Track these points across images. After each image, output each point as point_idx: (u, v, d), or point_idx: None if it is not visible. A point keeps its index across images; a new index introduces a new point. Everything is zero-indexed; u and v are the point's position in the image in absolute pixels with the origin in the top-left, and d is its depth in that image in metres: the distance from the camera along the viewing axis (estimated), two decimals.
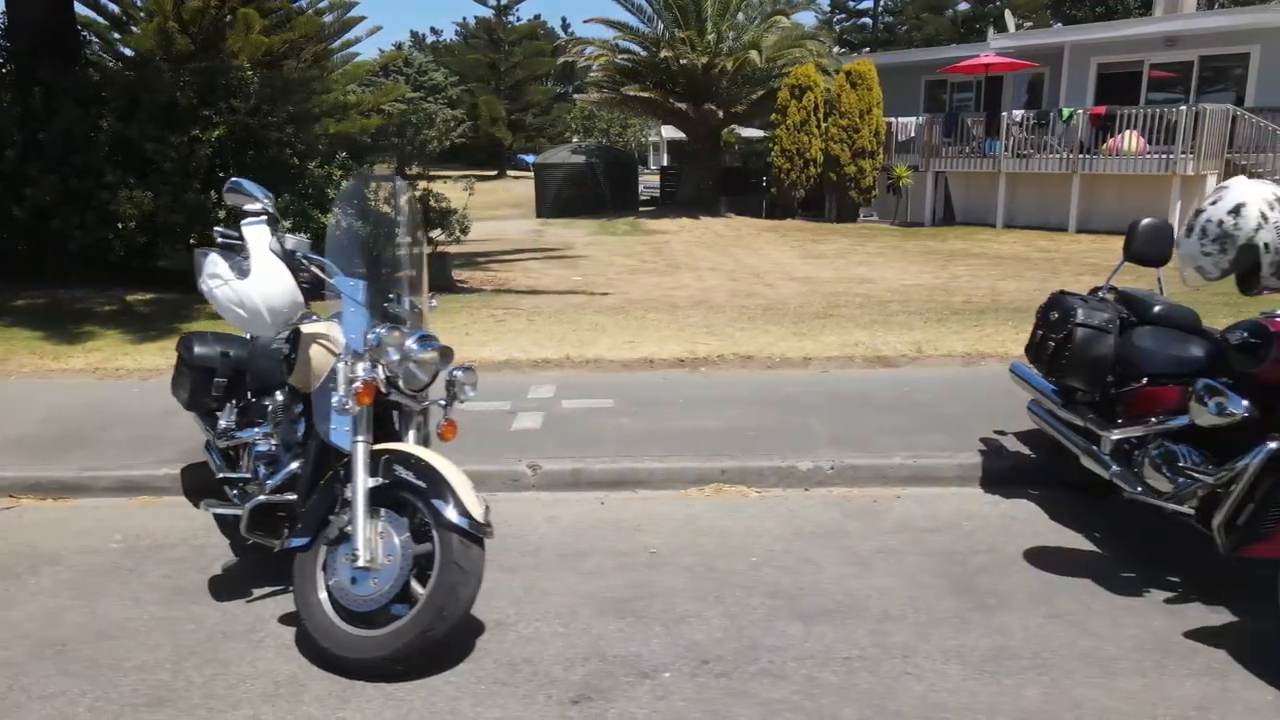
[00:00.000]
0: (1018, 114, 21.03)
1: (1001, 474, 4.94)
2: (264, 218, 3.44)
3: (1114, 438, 4.01)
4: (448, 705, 2.99)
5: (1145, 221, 4.48)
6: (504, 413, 5.95)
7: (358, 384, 3.24)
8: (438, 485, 3.18)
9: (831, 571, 3.91)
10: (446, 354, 3.52)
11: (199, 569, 4.03)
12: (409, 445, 3.41)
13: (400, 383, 3.39)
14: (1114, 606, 3.55)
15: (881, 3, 48.61)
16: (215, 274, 3.40)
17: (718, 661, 3.21)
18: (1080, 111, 19.93)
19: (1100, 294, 4.59)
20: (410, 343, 3.38)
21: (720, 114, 25.31)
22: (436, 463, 3.26)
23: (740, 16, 25.84)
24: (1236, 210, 3.23)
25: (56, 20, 11.71)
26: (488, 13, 49.66)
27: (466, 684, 3.10)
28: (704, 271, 14.11)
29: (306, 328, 3.51)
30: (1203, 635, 3.30)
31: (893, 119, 23.43)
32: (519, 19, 50.84)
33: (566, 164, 28.00)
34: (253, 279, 3.35)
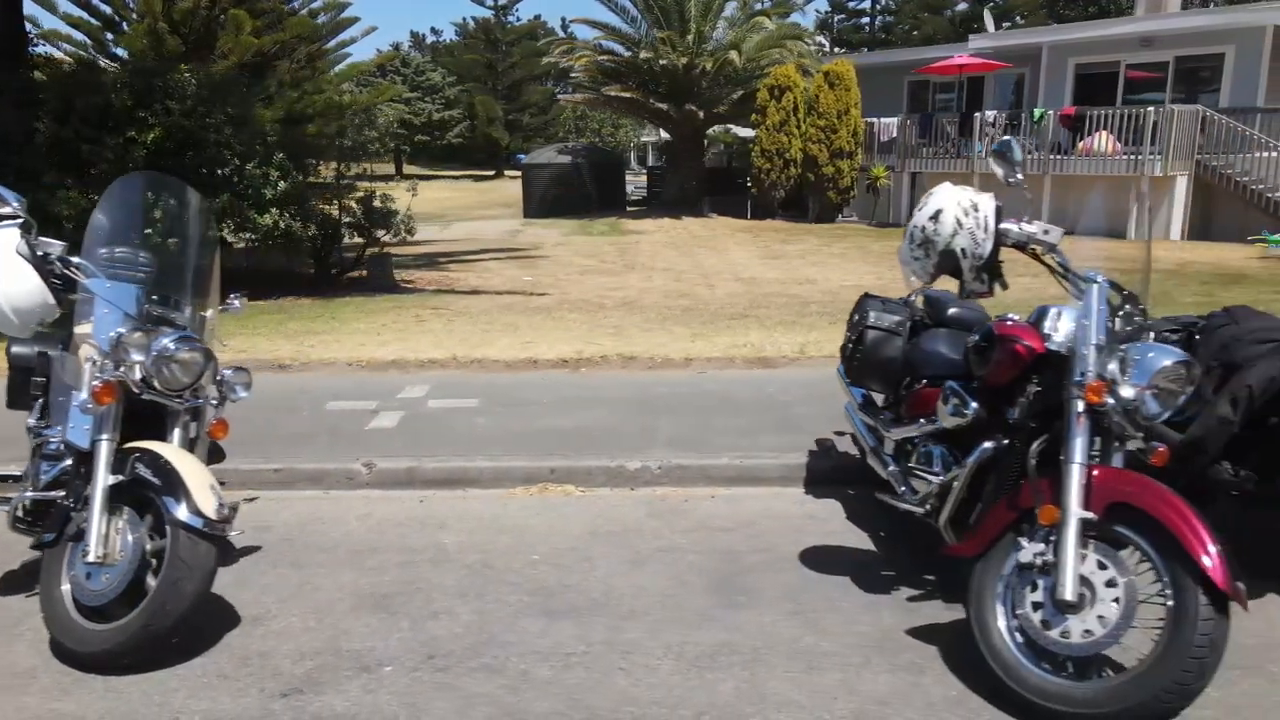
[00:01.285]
0: (990, 114, 20.99)
1: (824, 474, 4.99)
2: (17, 220, 3.55)
3: (893, 438, 4.07)
4: (162, 698, 3.07)
5: None
6: (367, 412, 6.05)
7: (96, 383, 3.34)
8: (172, 483, 3.26)
9: (604, 570, 3.98)
10: (208, 355, 3.61)
11: None
12: (162, 444, 3.49)
13: (156, 383, 3.47)
14: (857, 604, 3.61)
15: (880, 3, 48.53)
16: None
17: (445, 657, 3.29)
18: (1051, 112, 19.90)
19: (911, 297, 4.63)
20: (167, 343, 3.46)
21: (701, 114, 25.38)
22: (178, 461, 3.34)
23: (728, 11, 25.93)
24: (935, 217, 3.28)
25: (5, 23, 11.90)
26: (488, 13, 50.07)
27: (191, 677, 3.19)
28: (656, 272, 14.19)
29: (79, 328, 3.62)
30: (923, 632, 3.35)
31: (875, 119, 23.45)
32: (519, 19, 51.20)
33: (553, 164, 28.14)
34: None
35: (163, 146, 10.80)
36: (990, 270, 3.25)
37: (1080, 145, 19.36)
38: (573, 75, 27.43)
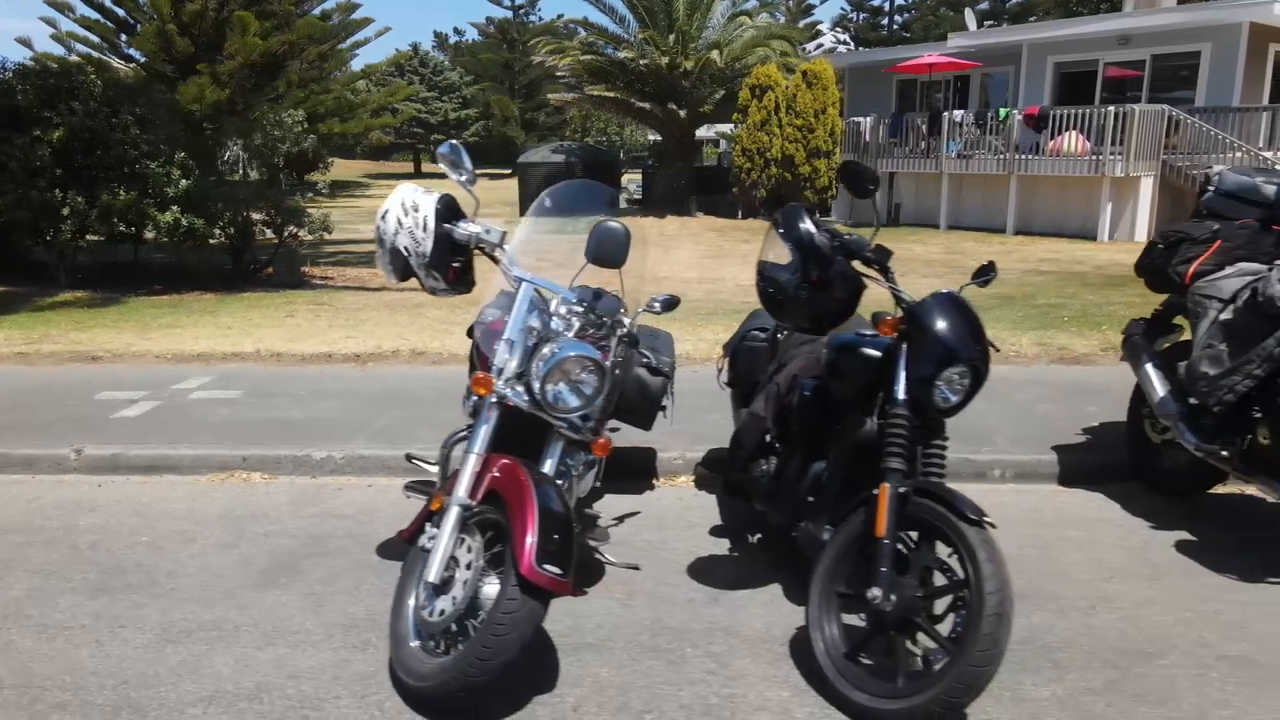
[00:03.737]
0: (958, 115, 20.80)
1: None
2: None
3: None
4: None
5: (603, 225, 4.63)
6: (127, 401, 6.29)
7: None
8: None
9: (192, 551, 4.16)
10: None
11: None
12: None
13: None
14: (380, 588, 3.72)
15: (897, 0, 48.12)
16: None
17: None
18: (1016, 112, 19.66)
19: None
20: None
21: (684, 114, 25.43)
22: None
23: (719, 10, 25.93)
24: (384, 216, 3.40)
25: None
26: (507, 13, 50.65)
27: None
28: None
29: None
30: None
31: (861, 119, 23.35)
32: (540, 18, 51.66)
33: (547, 163, 28.34)
34: None
35: (70, 145, 11.22)
36: (441, 268, 3.38)
37: (1049, 145, 19.10)
38: (558, 75, 27.59)
